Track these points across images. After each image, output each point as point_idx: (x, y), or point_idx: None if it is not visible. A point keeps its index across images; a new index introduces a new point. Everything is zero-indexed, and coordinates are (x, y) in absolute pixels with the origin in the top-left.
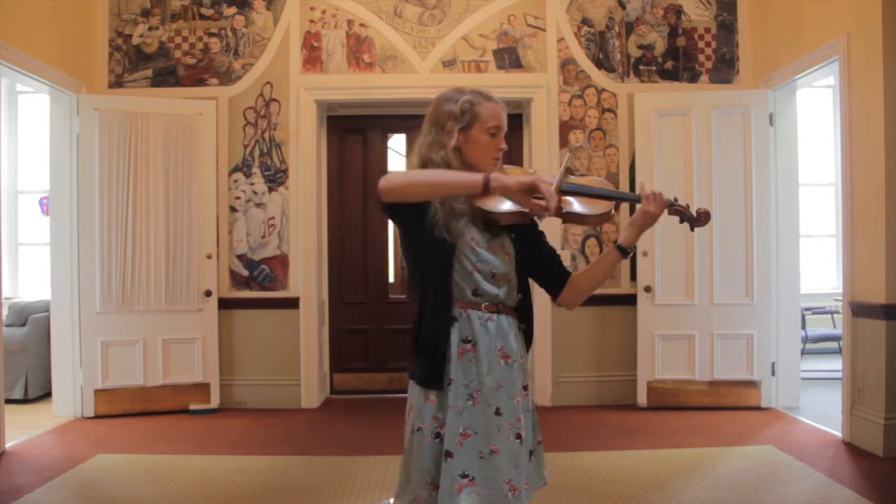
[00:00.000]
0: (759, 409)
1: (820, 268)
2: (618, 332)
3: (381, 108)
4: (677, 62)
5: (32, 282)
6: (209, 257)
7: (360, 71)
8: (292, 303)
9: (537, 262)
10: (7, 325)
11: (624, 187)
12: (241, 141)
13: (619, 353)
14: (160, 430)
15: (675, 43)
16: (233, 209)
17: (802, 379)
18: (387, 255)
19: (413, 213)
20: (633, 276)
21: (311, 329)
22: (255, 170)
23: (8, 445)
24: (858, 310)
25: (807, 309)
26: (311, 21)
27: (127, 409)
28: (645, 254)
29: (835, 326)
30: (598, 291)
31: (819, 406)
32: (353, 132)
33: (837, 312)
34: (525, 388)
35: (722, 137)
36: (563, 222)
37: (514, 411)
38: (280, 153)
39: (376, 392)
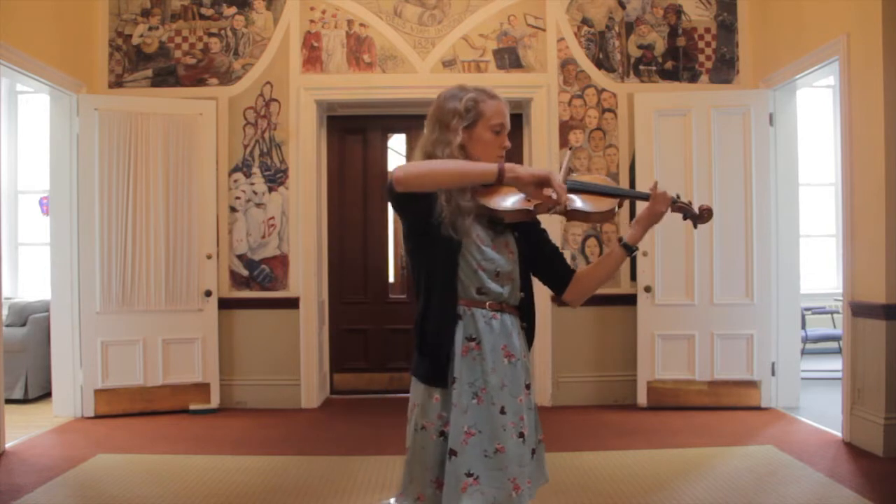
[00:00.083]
0: (759, 409)
1: (820, 268)
2: (618, 332)
3: (381, 108)
4: (677, 62)
5: (32, 282)
6: (209, 257)
7: (360, 71)
8: (292, 303)
9: (541, 261)
10: (7, 325)
11: (624, 187)
12: (241, 141)
13: (619, 353)
14: (160, 430)
15: (675, 43)
16: (233, 209)
17: (802, 379)
18: (387, 255)
19: (422, 209)
20: (633, 276)
21: (311, 329)
22: (255, 170)
23: (8, 445)
24: (858, 310)
25: (807, 309)
26: (311, 21)
27: (127, 409)
28: (645, 254)
29: (835, 326)
30: (598, 291)
31: (819, 406)
32: (353, 132)
33: (837, 312)
34: (527, 386)
35: (722, 137)
36: (568, 220)
37: (517, 410)
38: (280, 153)
39: (376, 392)
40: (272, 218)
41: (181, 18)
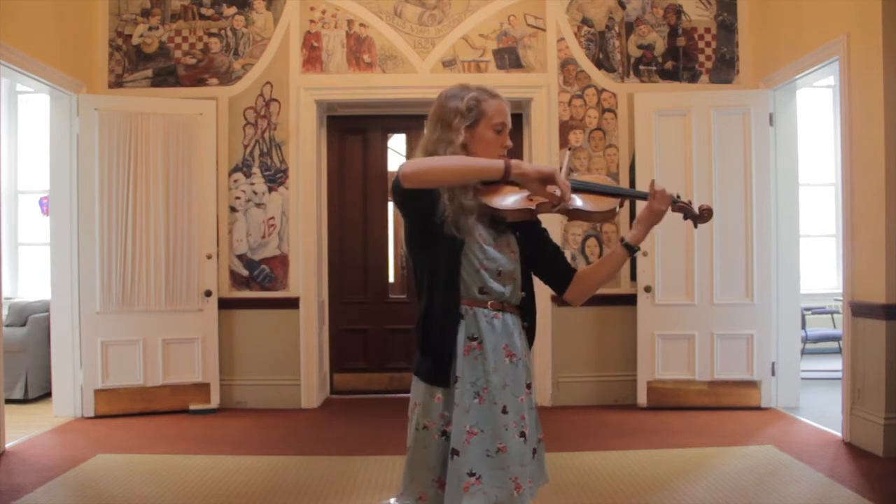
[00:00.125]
0: (759, 409)
1: (820, 268)
2: (618, 332)
3: (381, 108)
4: (677, 62)
5: (32, 282)
6: (209, 257)
7: (360, 71)
8: (292, 303)
9: (542, 260)
10: (7, 325)
11: (625, 187)
12: (241, 141)
13: (619, 353)
14: (160, 430)
15: (675, 43)
16: (233, 209)
17: (802, 379)
18: (387, 255)
19: (425, 207)
20: (634, 276)
21: (311, 329)
22: (255, 170)
23: (8, 445)
24: (858, 310)
25: (807, 309)
26: (311, 21)
27: (127, 409)
28: (645, 254)
29: (835, 326)
30: (598, 291)
31: (819, 406)
32: (353, 132)
33: (837, 312)
34: (528, 386)
35: (722, 137)
36: (570, 219)
37: (518, 410)
38: (280, 153)
39: (376, 392)
40: (272, 218)
41: (181, 18)
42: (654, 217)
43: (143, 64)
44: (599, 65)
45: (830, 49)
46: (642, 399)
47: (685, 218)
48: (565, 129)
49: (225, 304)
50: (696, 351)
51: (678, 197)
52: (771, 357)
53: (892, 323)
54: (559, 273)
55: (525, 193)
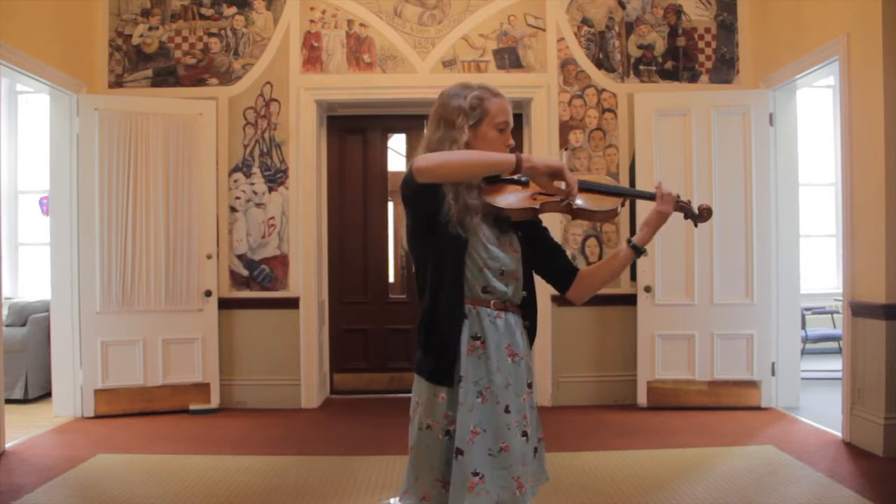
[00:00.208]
0: (759, 409)
1: (820, 268)
2: (618, 332)
3: (381, 108)
4: (677, 62)
5: (32, 282)
6: (209, 257)
7: (360, 71)
8: (292, 303)
9: (543, 259)
10: (7, 325)
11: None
12: (241, 141)
13: (619, 353)
14: (160, 430)
15: (675, 43)
16: (233, 209)
17: (802, 379)
18: (387, 255)
19: (432, 205)
20: (633, 276)
21: (311, 329)
22: (255, 170)
23: (8, 445)
24: (858, 310)
25: (807, 309)
26: (311, 21)
27: (127, 409)
28: (645, 254)
29: (835, 326)
30: (599, 291)
31: (819, 406)
32: (353, 132)
33: (837, 312)
34: (530, 385)
35: (722, 137)
36: (573, 218)
37: (520, 409)
38: (280, 153)
39: (376, 392)
40: (272, 218)
41: (181, 18)
42: (662, 219)
43: (143, 64)
44: (599, 65)
45: (830, 49)
46: (642, 399)
47: (686, 217)
48: (565, 129)
49: (225, 304)
50: (696, 351)
51: (679, 197)
52: (771, 357)
53: (892, 323)
54: (561, 271)
55: (528, 192)
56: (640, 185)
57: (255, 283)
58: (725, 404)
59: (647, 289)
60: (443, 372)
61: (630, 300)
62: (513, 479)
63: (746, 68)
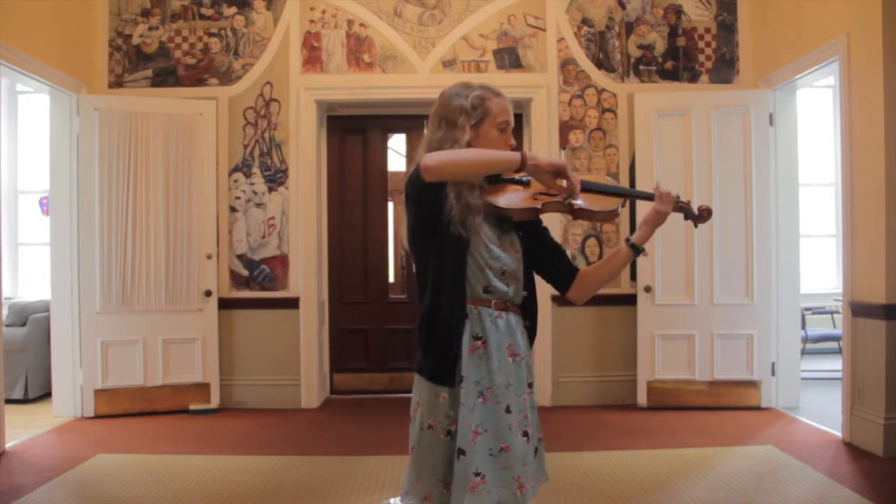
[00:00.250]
0: (759, 409)
1: (820, 268)
2: (618, 332)
3: (381, 108)
4: (677, 62)
5: (32, 282)
6: (209, 257)
7: (360, 71)
8: (292, 303)
9: (544, 259)
10: (7, 325)
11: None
12: (241, 141)
13: (619, 353)
14: (160, 430)
15: (675, 43)
16: (233, 209)
17: (802, 379)
18: (387, 255)
19: (437, 205)
20: (634, 276)
21: (311, 329)
22: (255, 170)
23: (8, 445)
24: (858, 310)
25: (807, 309)
26: (311, 21)
27: (127, 409)
28: (645, 254)
29: (835, 326)
30: (599, 291)
31: (819, 406)
32: (353, 132)
33: (837, 312)
34: (530, 385)
35: (722, 137)
36: (574, 218)
37: (521, 409)
38: (280, 153)
39: (376, 392)
40: (272, 218)
41: (181, 18)
42: (660, 218)
43: (143, 64)
44: (599, 65)
45: (830, 49)
46: (642, 399)
47: (686, 218)
48: (565, 129)
49: (225, 304)
50: (696, 351)
51: (678, 197)
52: (771, 357)
53: (892, 323)
54: (561, 271)
55: (530, 192)
56: (641, 185)
57: (255, 283)
58: (725, 404)
59: (647, 289)
60: (444, 372)
61: (630, 300)
62: (514, 479)
63: (746, 68)
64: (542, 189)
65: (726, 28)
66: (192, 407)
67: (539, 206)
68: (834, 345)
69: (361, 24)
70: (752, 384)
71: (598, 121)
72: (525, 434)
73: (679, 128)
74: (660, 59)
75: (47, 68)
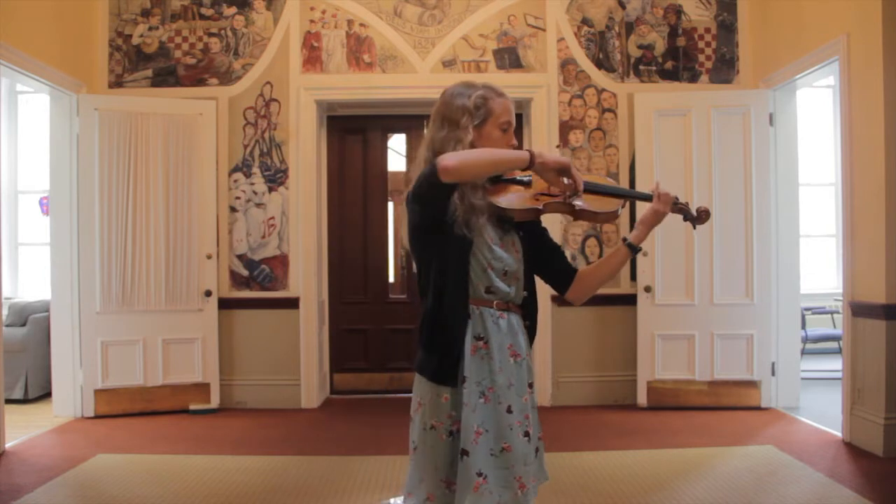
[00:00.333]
0: (759, 409)
1: (820, 268)
2: (618, 332)
3: (381, 108)
4: (677, 62)
5: (32, 282)
6: (209, 257)
7: (360, 71)
8: (292, 303)
9: (543, 260)
10: (7, 325)
11: (626, 188)
12: (241, 141)
13: (619, 353)
14: (160, 430)
15: (675, 43)
16: (233, 209)
17: (802, 379)
18: (387, 255)
19: (445, 205)
20: (633, 276)
21: (311, 329)
22: (255, 170)
23: (8, 445)
24: (858, 310)
25: (807, 309)
26: (311, 21)
27: (127, 409)
28: (645, 254)
29: (835, 326)
30: (598, 291)
31: (819, 406)
32: (353, 132)
33: (837, 312)
34: (530, 385)
35: (722, 137)
36: (575, 219)
37: (522, 409)
38: (280, 153)
39: (376, 392)
40: (272, 218)
41: (181, 18)
42: (657, 218)
43: (143, 64)
44: (599, 65)
45: (830, 49)
46: (642, 399)
47: (684, 219)
48: (565, 129)
49: (225, 304)
50: (696, 351)
51: (677, 199)
52: (771, 357)
53: (892, 323)
54: (561, 272)
55: (531, 193)
56: (641, 186)
57: (255, 283)
58: (725, 404)
59: (647, 289)
60: (446, 372)
61: (630, 300)
62: (515, 479)
63: (746, 68)
64: (543, 190)
65: (726, 28)
66: (192, 407)
67: (540, 207)
68: (834, 345)
69: (361, 24)
70: (753, 384)
71: (598, 121)
72: (526, 434)
73: (679, 128)
74: (660, 59)
75: (47, 68)
